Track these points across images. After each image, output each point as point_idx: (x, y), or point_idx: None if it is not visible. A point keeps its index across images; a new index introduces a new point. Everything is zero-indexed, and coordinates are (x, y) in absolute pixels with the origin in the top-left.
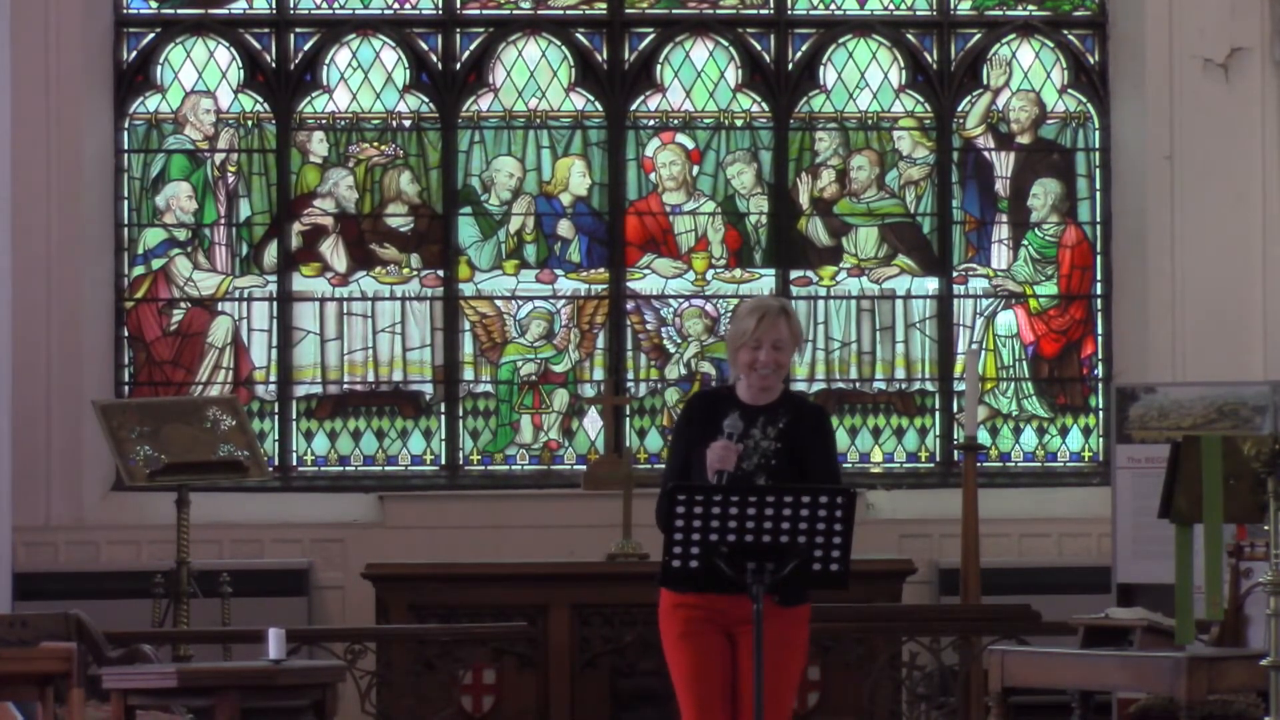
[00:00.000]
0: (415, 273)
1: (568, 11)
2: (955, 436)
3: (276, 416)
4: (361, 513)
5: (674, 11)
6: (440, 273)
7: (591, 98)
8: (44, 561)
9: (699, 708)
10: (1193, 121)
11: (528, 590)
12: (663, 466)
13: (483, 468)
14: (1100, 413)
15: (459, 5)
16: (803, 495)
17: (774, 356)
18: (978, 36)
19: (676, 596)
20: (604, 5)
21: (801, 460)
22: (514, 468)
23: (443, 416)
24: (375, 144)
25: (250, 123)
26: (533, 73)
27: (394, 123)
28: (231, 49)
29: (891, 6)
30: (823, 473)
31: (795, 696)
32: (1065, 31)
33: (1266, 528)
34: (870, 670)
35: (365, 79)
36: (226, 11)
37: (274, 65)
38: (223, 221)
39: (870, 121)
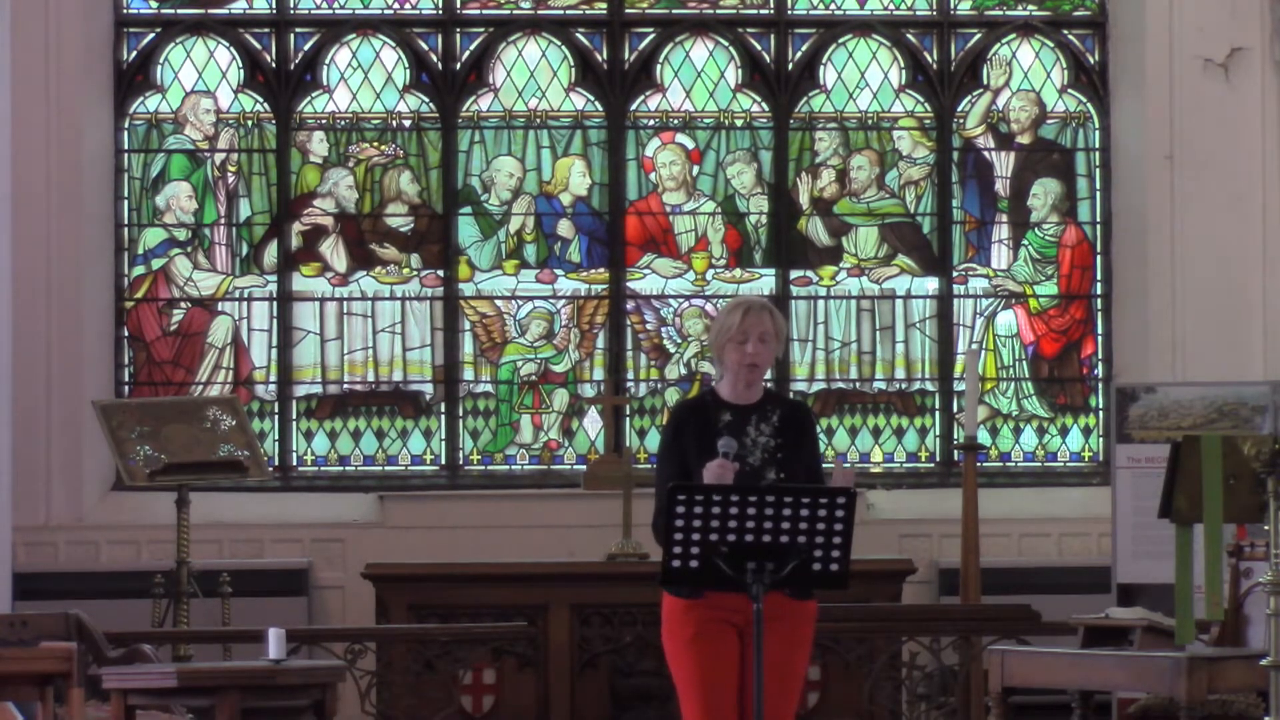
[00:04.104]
0: (415, 273)
1: (568, 11)
2: (955, 436)
3: (276, 416)
4: (361, 513)
5: (674, 11)
6: (440, 273)
7: (591, 98)
8: (44, 561)
9: (707, 713)
10: (1193, 121)
11: (528, 590)
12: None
13: (483, 468)
14: (1100, 413)
15: (459, 5)
16: (803, 495)
17: (760, 350)
18: (978, 36)
19: (685, 600)
20: (604, 5)
21: (803, 456)
22: (514, 468)
23: (443, 416)
24: (375, 144)
25: (250, 123)
26: (533, 73)
27: (394, 123)
28: (231, 49)
29: (891, 6)
30: (813, 472)
31: (800, 695)
32: (1065, 31)
33: (1266, 528)
34: (870, 670)
35: (365, 79)
36: (226, 11)
37: (274, 65)
38: (223, 221)
39: (870, 121)
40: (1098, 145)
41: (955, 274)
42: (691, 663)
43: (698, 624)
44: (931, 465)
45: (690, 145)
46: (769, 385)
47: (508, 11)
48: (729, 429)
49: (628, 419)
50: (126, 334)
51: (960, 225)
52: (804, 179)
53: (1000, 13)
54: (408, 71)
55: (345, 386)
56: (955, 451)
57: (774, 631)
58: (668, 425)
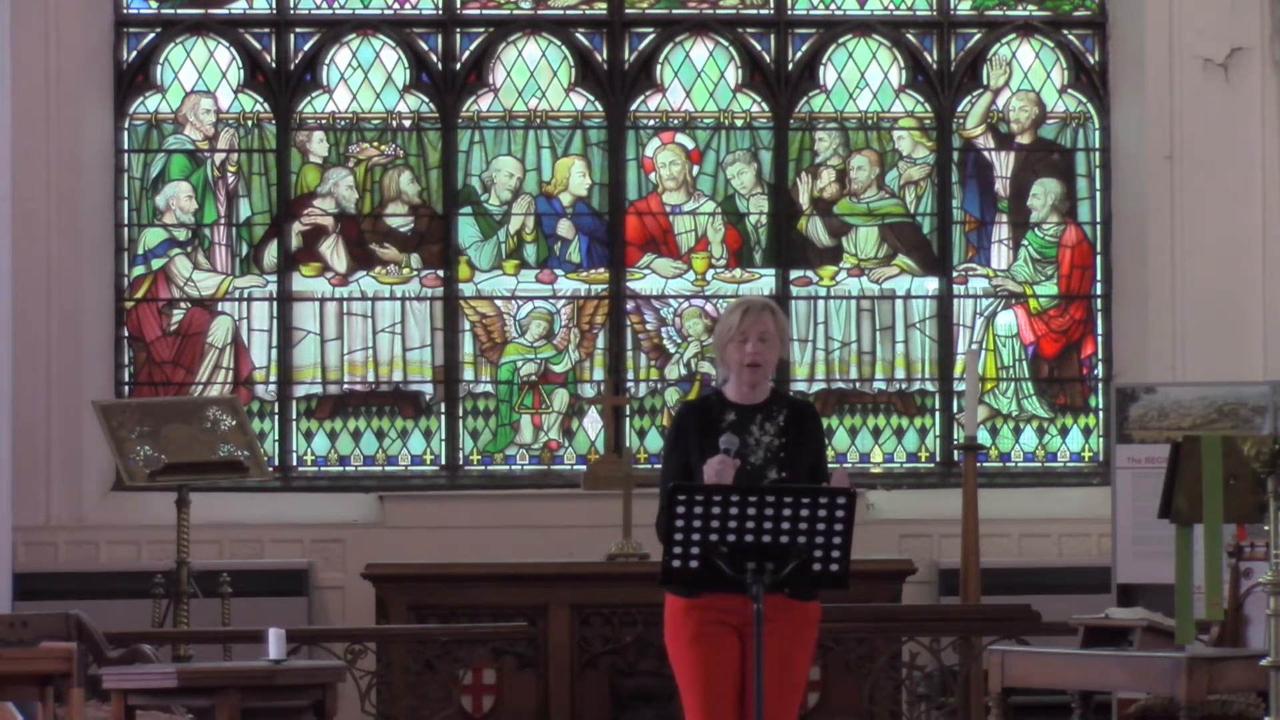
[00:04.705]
0: (415, 273)
1: (568, 11)
2: (955, 436)
3: (276, 416)
4: (361, 513)
5: (674, 11)
6: (440, 273)
7: (591, 98)
8: (44, 561)
9: (707, 713)
10: (1193, 121)
11: (528, 590)
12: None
13: (483, 468)
14: (1100, 413)
15: (459, 5)
16: (803, 495)
17: (760, 349)
18: (978, 36)
19: (685, 600)
20: (604, 5)
21: (805, 456)
22: (514, 468)
23: (443, 416)
24: (375, 144)
25: (250, 123)
26: (533, 73)
27: (394, 123)
28: (231, 49)
29: (891, 6)
30: (817, 472)
31: (802, 695)
32: (1065, 31)
33: (1266, 528)
34: (870, 670)
35: (365, 79)
36: (226, 11)
37: (274, 65)
38: (223, 221)
39: (870, 121)
40: (1098, 145)
41: (955, 274)
42: (692, 663)
43: (697, 625)
44: (931, 465)
45: (690, 145)
46: (774, 385)
47: (508, 12)
48: (732, 429)
49: (628, 419)
50: (126, 334)
51: (960, 225)
52: (804, 179)
53: (1000, 13)
54: (408, 71)
55: (345, 387)
56: (955, 451)
57: (775, 633)
58: (671, 425)
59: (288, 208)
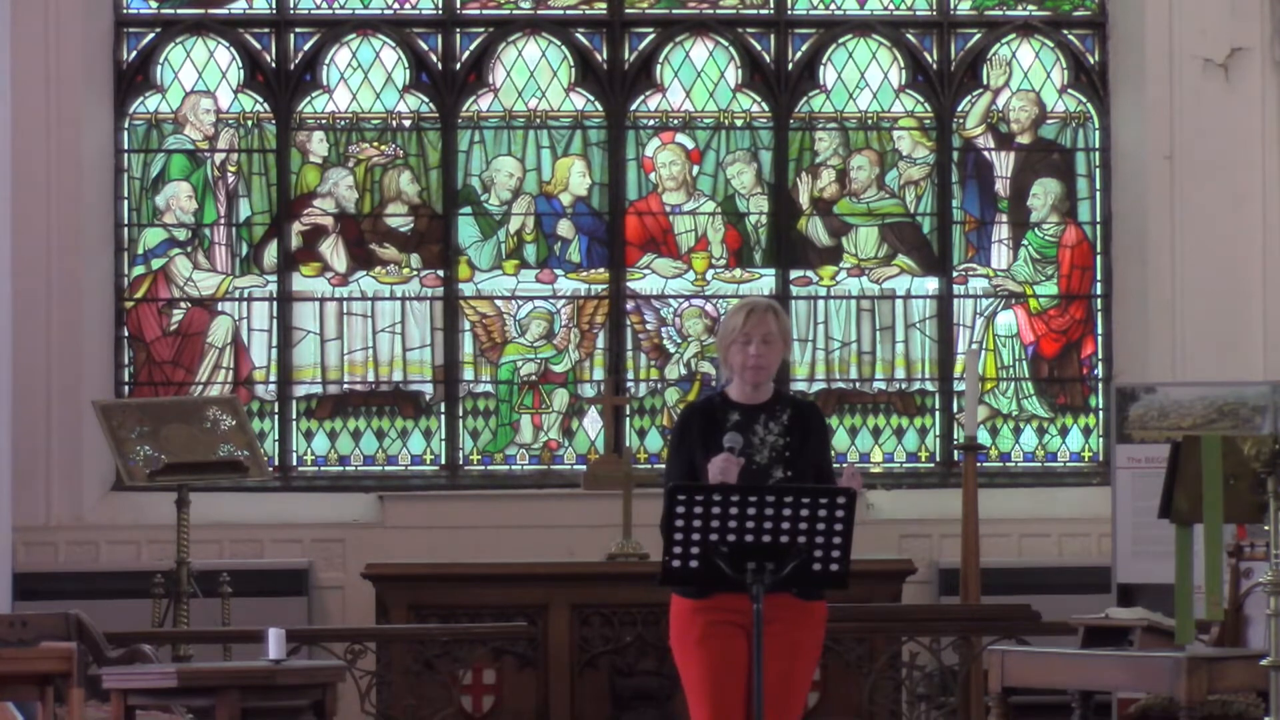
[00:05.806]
0: (415, 273)
1: (568, 11)
2: (955, 436)
3: (276, 416)
4: (361, 513)
5: (674, 11)
6: (440, 273)
7: (591, 98)
8: (44, 561)
9: (716, 713)
10: (1193, 121)
11: (528, 590)
12: (663, 467)
13: (483, 468)
14: (1100, 413)
15: (459, 5)
16: (803, 495)
17: (763, 351)
18: (978, 36)
19: (693, 601)
20: (604, 5)
21: (809, 455)
22: (514, 468)
23: (443, 416)
24: (375, 144)
25: (250, 123)
26: (533, 73)
27: (394, 123)
28: (231, 49)
29: (891, 6)
30: (828, 473)
31: (805, 697)
32: (1065, 31)
33: (1266, 528)
34: (870, 670)
35: (365, 79)
36: (226, 11)
37: (274, 65)
38: (223, 221)
39: (870, 121)
40: (1098, 145)
41: (955, 274)
42: (700, 664)
43: (705, 625)
44: (931, 465)
45: (690, 145)
46: (776, 385)
47: (508, 11)
48: (737, 429)
49: (628, 419)
50: (126, 334)
51: (960, 225)
52: (804, 179)
53: (1000, 13)
54: (408, 71)
55: (345, 386)
56: (955, 451)
57: (781, 633)
58: (675, 426)
59: (288, 208)
